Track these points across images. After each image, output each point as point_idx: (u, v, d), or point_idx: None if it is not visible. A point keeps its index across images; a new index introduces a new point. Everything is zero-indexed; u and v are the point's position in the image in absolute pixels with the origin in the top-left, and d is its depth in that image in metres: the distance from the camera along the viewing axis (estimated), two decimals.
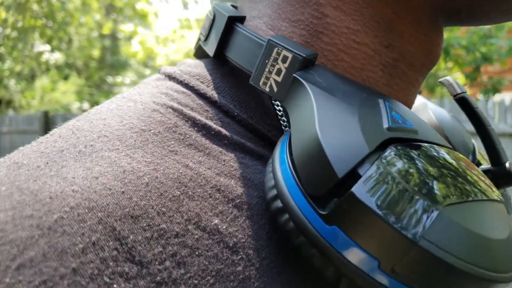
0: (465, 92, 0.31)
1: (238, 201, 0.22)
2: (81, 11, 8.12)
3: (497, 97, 3.54)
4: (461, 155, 0.23)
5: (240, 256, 0.21)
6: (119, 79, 9.83)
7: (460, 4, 0.27)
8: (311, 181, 0.20)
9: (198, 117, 0.25)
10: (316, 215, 0.20)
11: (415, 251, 0.18)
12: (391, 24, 0.27)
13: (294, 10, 0.27)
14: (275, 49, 0.25)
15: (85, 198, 0.19)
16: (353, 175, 0.19)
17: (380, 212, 0.18)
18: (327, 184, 0.19)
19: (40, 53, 7.87)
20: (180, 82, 0.27)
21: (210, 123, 0.25)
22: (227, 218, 0.22)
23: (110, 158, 0.21)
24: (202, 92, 0.26)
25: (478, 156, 0.35)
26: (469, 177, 0.21)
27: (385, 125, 0.21)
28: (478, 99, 3.18)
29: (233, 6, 0.31)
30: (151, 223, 0.19)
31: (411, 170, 0.19)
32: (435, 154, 0.21)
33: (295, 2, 0.27)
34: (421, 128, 0.23)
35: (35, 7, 7.26)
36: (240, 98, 0.27)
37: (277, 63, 0.25)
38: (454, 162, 0.22)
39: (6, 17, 7.09)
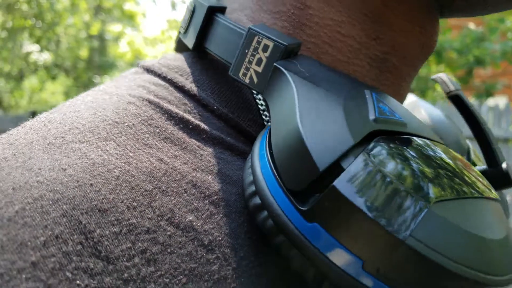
0: (459, 90, 0.30)
1: (215, 197, 0.21)
2: (69, 11, 8.05)
3: (491, 102, 3.65)
4: (453, 152, 0.22)
5: (215, 255, 0.20)
6: (107, 79, 9.74)
7: None
8: (291, 175, 0.19)
9: (176, 110, 0.24)
10: (295, 211, 0.18)
11: (402, 250, 0.16)
12: (380, 15, 0.25)
13: (275, 1, 0.26)
14: (256, 38, 0.23)
15: (50, 189, 0.18)
16: (336, 169, 0.18)
17: (364, 208, 0.17)
18: (308, 178, 0.18)
19: (29, 53, 7.76)
20: (158, 75, 0.26)
21: (188, 116, 0.24)
22: (202, 215, 0.20)
23: (80, 150, 0.20)
24: (180, 85, 0.25)
25: (474, 157, 0.33)
26: (460, 173, 0.20)
27: (372, 117, 0.20)
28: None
29: None
30: (120, 218, 0.18)
31: (398, 164, 0.18)
32: (424, 148, 0.20)
33: None
34: (411, 121, 0.22)
35: (24, 7, 7.17)
36: (220, 92, 0.26)
37: (258, 53, 0.23)
38: (445, 157, 0.20)
39: None
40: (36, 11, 7.29)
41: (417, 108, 0.34)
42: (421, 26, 0.26)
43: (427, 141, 0.21)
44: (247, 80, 0.24)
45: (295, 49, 0.23)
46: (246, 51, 0.24)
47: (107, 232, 0.18)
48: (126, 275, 0.17)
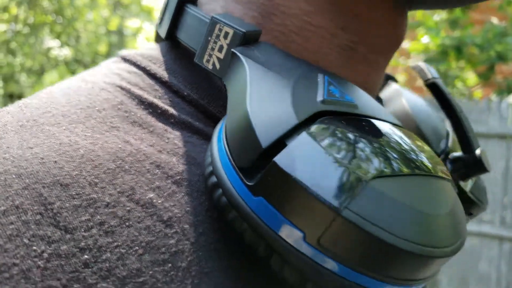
0: (436, 78, 0.31)
1: (178, 177, 0.22)
2: (89, 7, 8.15)
3: (511, 98, 3.57)
4: (409, 133, 0.23)
5: (174, 230, 0.20)
6: None
7: None
8: (239, 153, 0.20)
9: (145, 95, 0.25)
10: (244, 187, 0.19)
11: (338, 222, 0.17)
12: (346, 6, 0.26)
13: None
14: (217, 26, 0.24)
15: (15, 165, 0.19)
16: (280, 146, 0.19)
17: (302, 182, 0.17)
18: (253, 155, 0.19)
19: (50, 49, 7.89)
20: (133, 64, 0.27)
21: (157, 101, 0.25)
22: (164, 193, 0.21)
23: (49, 132, 0.21)
24: (153, 72, 0.26)
25: (451, 145, 0.33)
26: (407, 153, 0.20)
27: (320, 98, 0.21)
28: (491, 99, 3.21)
29: None
30: (80, 192, 0.19)
31: (338, 141, 0.19)
32: (370, 127, 0.21)
33: None
34: (364, 103, 0.22)
35: (45, 3, 7.28)
36: (192, 79, 0.27)
37: (219, 40, 0.24)
38: (393, 137, 0.21)
39: (17, 13, 7.13)
40: (56, 7, 7.41)
41: (398, 97, 0.34)
42: (386, 17, 0.27)
43: (376, 121, 0.21)
44: (210, 66, 0.25)
45: (255, 35, 0.24)
46: (209, 38, 0.25)
47: (67, 204, 0.19)
48: (83, 244, 0.18)
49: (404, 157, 0.20)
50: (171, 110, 0.25)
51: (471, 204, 0.30)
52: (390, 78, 0.37)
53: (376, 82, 0.29)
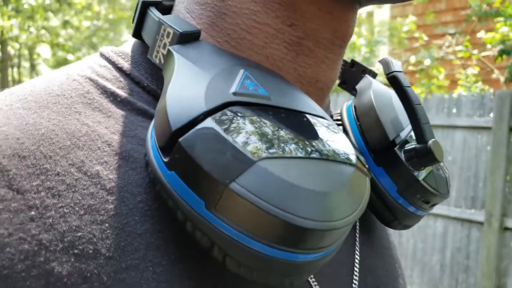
0: (398, 71, 0.32)
1: (126, 154, 0.25)
2: None
3: None
4: (330, 123, 0.25)
5: (115, 197, 0.23)
6: None
7: None
8: (158, 134, 0.23)
9: (109, 85, 0.28)
10: (162, 163, 0.22)
11: (227, 192, 0.20)
12: (293, 4, 0.28)
13: None
14: (162, 27, 0.28)
15: None
16: (190, 129, 0.21)
17: (200, 160, 0.20)
18: (167, 136, 0.22)
19: (126, 42, 8.38)
20: (106, 58, 0.30)
21: (119, 91, 0.28)
22: (110, 167, 0.24)
23: (20, 114, 0.24)
24: (120, 66, 0.29)
25: (409, 137, 0.33)
26: (310, 140, 0.23)
27: (232, 90, 0.23)
28: None
29: None
30: (36, 163, 0.22)
31: (238, 127, 0.21)
32: (276, 116, 0.23)
33: None
34: (279, 96, 0.25)
35: (123, 0, 7.75)
36: (153, 72, 0.30)
37: (164, 38, 0.27)
38: (299, 126, 0.24)
39: (99, 11, 7.68)
40: (133, 3, 7.87)
41: (368, 89, 0.36)
42: (331, 13, 0.29)
43: (288, 112, 0.24)
44: (157, 61, 0.28)
45: (193, 34, 0.27)
46: (157, 37, 0.28)
47: (22, 172, 0.22)
48: (31, 203, 0.21)
49: (304, 143, 0.22)
50: (130, 99, 0.28)
51: (425, 192, 0.32)
52: (367, 71, 0.39)
53: (328, 74, 0.31)
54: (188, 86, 0.23)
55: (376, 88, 0.36)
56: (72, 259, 0.21)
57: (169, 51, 0.26)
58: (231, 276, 0.24)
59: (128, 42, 0.33)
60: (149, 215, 0.24)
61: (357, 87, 0.37)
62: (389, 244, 0.40)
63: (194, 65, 0.25)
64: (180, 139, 0.21)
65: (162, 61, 0.27)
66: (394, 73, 0.31)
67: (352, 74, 0.40)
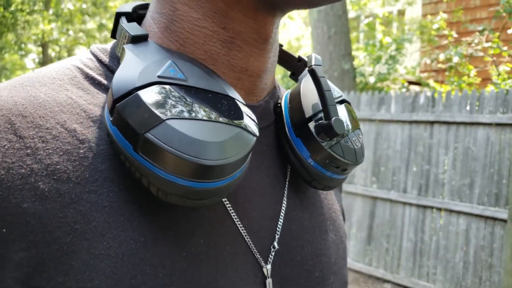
0: (317, 65, 0.40)
1: (96, 118, 0.35)
2: None
3: None
4: (230, 99, 0.34)
5: (85, 145, 0.33)
6: None
7: None
8: (108, 102, 0.32)
9: (91, 72, 0.38)
10: (109, 121, 0.31)
11: (143, 139, 0.29)
12: (225, 12, 0.37)
13: (160, 6, 0.39)
14: (123, 31, 0.37)
15: (0, 104, 0.32)
16: (125, 98, 0.30)
17: (127, 118, 0.29)
18: (111, 103, 0.31)
19: None
20: (92, 53, 0.40)
21: (97, 76, 0.37)
22: (84, 126, 0.34)
23: (26, 89, 0.34)
24: (100, 58, 0.39)
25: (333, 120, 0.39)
26: (212, 109, 0.32)
27: (157, 74, 0.32)
28: None
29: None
30: (33, 121, 0.32)
31: (157, 98, 0.30)
32: (190, 93, 0.32)
33: (162, 0, 0.39)
34: (195, 79, 0.34)
35: None
36: (120, 62, 0.38)
37: (123, 39, 0.37)
38: (207, 100, 0.33)
39: None
40: None
41: (301, 80, 0.44)
42: (254, 19, 0.38)
43: (191, 89, 0.33)
44: (119, 55, 0.38)
45: (142, 37, 0.36)
46: (120, 38, 0.38)
47: (23, 125, 0.32)
48: (28, 145, 0.31)
49: (204, 110, 0.31)
50: (104, 81, 0.38)
51: (333, 158, 0.40)
52: (309, 65, 0.44)
53: (255, 65, 0.41)
54: (128, 71, 0.32)
55: (307, 80, 0.44)
56: (52, 182, 0.31)
57: (123, 48, 0.36)
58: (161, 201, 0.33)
59: (111, 42, 0.44)
60: (108, 158, 0.33)
61: (299, 77, 0.46)
62: (321, 203, 0.47)
63: (137, 57, 0.34)
64: (117, 105, 0.30)
65: (120, 55, 0.37)
66: (313, 66, 0.41)
67: (298, 68, 0.50)
